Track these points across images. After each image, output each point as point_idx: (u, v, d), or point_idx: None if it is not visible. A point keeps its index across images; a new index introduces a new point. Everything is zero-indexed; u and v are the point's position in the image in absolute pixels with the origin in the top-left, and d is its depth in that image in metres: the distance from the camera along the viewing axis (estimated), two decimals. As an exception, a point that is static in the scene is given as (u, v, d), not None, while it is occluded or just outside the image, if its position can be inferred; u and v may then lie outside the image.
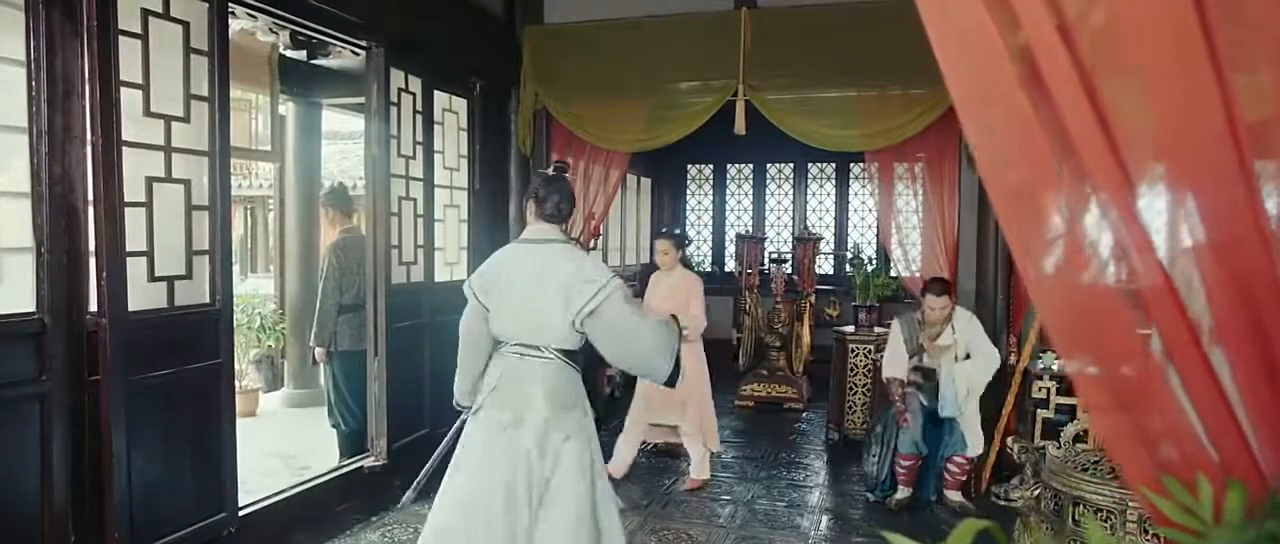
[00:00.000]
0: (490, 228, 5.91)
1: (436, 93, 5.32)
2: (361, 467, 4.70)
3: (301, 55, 5.76)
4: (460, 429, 3.03)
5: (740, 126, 5.61)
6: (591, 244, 6.41)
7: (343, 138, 11.10)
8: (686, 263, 5.11)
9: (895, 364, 4.66)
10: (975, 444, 4.50)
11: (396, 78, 4.86)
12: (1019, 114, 0.81)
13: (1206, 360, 0.72)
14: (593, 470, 2.86)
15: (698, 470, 5.02)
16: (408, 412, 4.96)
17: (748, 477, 5.23)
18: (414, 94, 5.06)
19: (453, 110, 5.55)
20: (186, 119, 3.44)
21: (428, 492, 3.47)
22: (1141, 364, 0.76)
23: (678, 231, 5.34)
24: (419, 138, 5.12)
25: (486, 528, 2.73)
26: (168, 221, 3.38)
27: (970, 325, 4.59)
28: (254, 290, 8.20)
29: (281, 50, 5.48)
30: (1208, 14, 0.71)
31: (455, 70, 5.51)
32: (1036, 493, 2.79)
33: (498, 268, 2.95)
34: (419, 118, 5.11)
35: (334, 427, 5.13)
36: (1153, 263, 0.75)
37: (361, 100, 5.03)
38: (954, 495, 4.57)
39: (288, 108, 6.59)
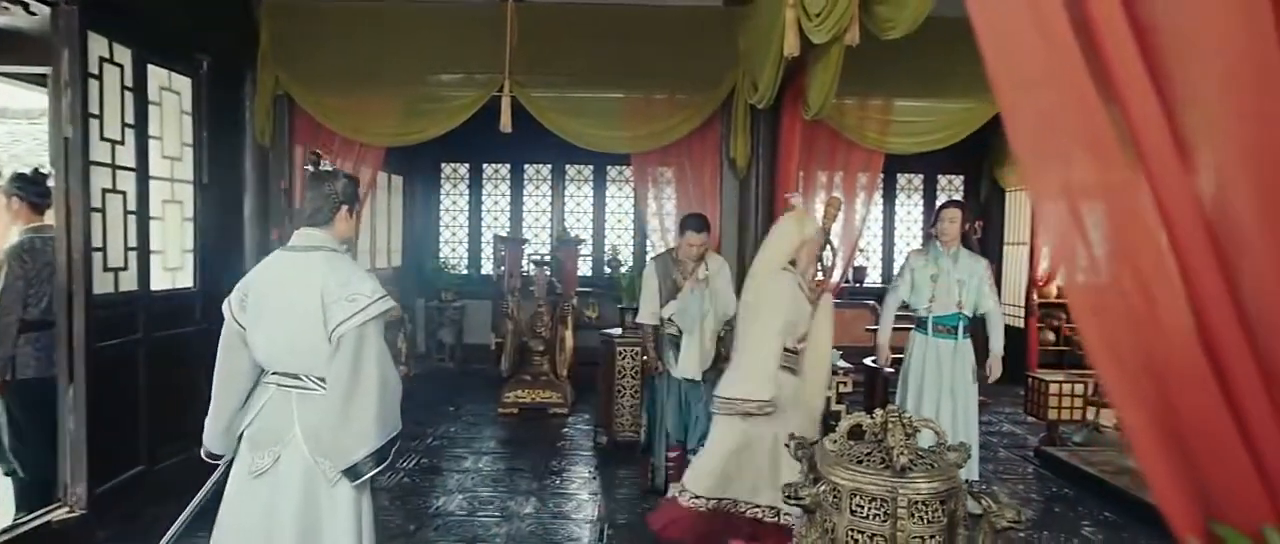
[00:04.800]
0: (222, 228, 5.14)
1: (151, 67, 4.51)
2: (50, 521, 3.83)
3: (-44, 10, 4.61)
4: (221, 481, 2.61)
5: (506, 124, 5.39)
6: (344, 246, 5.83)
7: (13, 115, 9.22)
8: None
9: (648, 310, 4.66)
10: (696, 368, 4.47)
11: (97, 45, 4.04)
12: (1083, 101, 0.72)
13: (1268, 388, 0.68)
14: (362, 521, 2.52)
15: None
16: (116, 447, 4.14)
17: (519, 490, 5.02)
18: (121, 66, 4.24)
19: (173, 90, 4.75)
20: None
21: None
22: (1203, 397, 0.72)
23: None
24: (129, 119, 4.30)
25: None
26: None
27: (721, 271, 4.63)
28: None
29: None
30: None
31: (175, 43, 4.71)
32: (822, 489, 2.87)
33: (254, 280, 2.55)
34: (129, 95, 4.29)
35: (7, 474, 4.14)
36: (1216, 282, 0.70)
37: (45, 70, 4.12)
38: None
39: (-64, 75, 5.27)
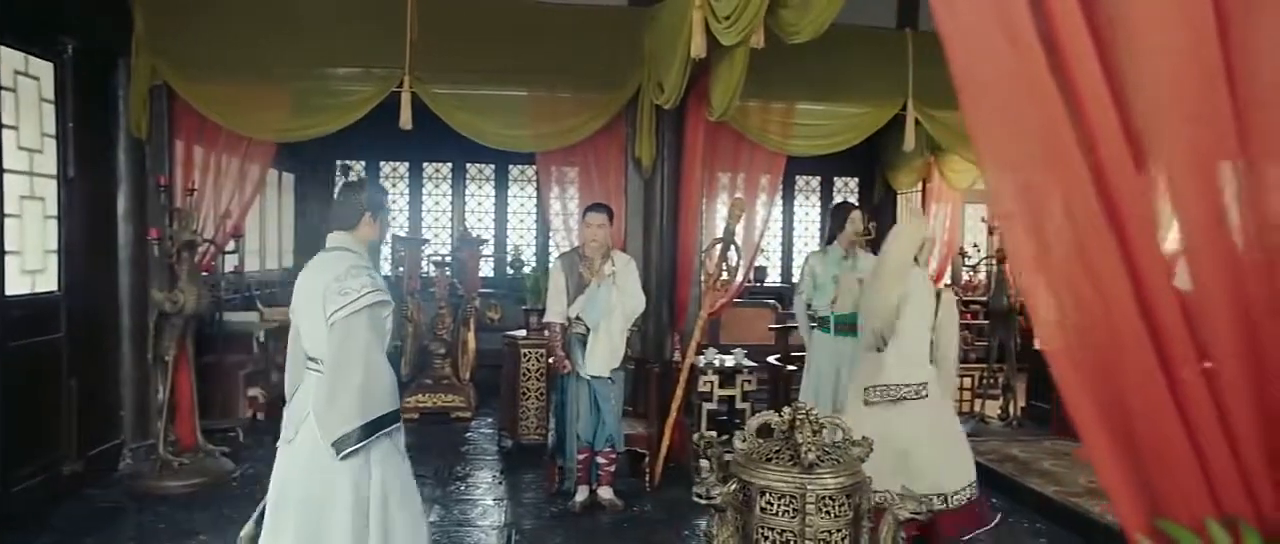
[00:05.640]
0: (92, 226, 4.77)
1: (4, 49, 4.12)
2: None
3: None
4: None
5: (406, 120, 5.21)
6: (230, 246, 5.50)
7: None
8: None
9: (555, 308, 4.59)
10: (604, 365, 4.50)
11: (-62, 24, 3.66)
12: (1046, 104, 0.71)
13: (1206, 384, 0.69)
14: (367, 499, 2.71)
15: None
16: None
17: (424, 497, 4.80)
18: (-33, 48, 3.86)
19: (31, 75, 4.35)
20: None
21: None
22: (1152, 394, 0.72)
23: None
24: (-22, 107, 3.92)
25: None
26: None
27: (627, 266, 4.64)
28: None
29: None
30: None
31: (32, 23, 4.32)
32: (733, 487, 2.88)
33: (299, 277, 2.93)
34: (-23, 80, 3.92)
35: None
36: (1164, 281, 0.71)
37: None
38: (606, 492, 4.69)
39: None
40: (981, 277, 8.75)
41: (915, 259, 4.03)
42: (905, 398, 3.88)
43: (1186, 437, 0.78)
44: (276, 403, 6.86)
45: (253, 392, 6.34)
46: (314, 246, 9.02)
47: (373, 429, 2.66)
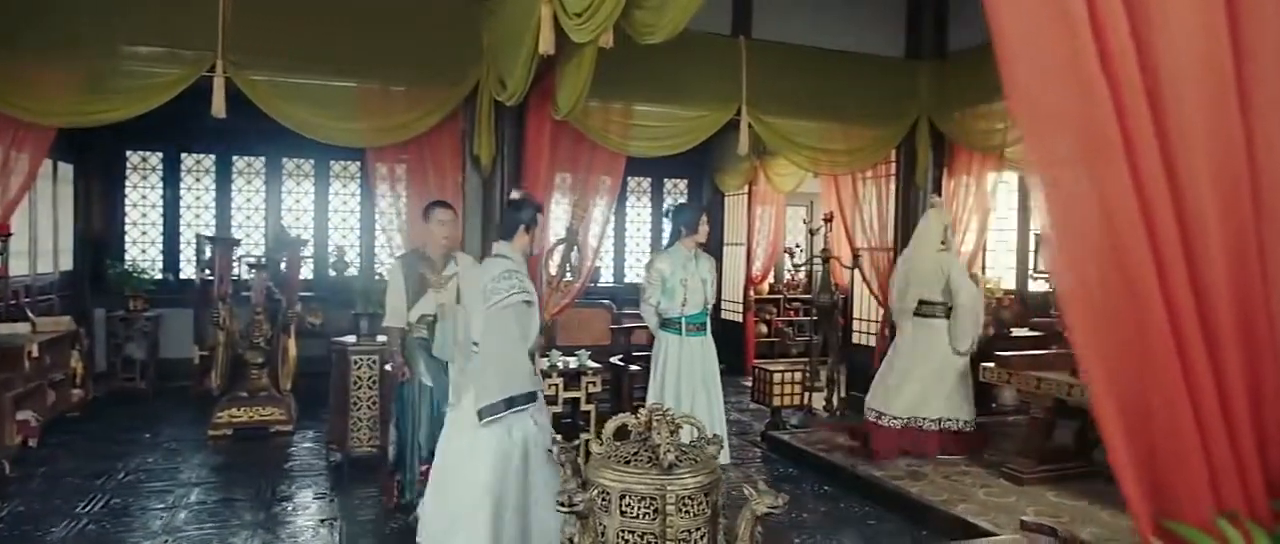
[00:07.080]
0: None
1: None
2: None
3: None
4: None
5: (219, 108, 4.74)
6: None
7: None
8: None
9: (396, 313, 4.37)
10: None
11: None
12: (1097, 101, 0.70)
13: (1212, 374, 0.71)
14: (510, 455, 3.29)
15: None
16: None
17: (241, 523, 4.43)
18: None
19: None
20: None
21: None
22: (1169, 384, 0.73)
23: None
24: None
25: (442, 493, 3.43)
26: None
27: (470, 267, 4.50)
28: None
29: None
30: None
31: None
32: (593, 493, 2.83)
33: (466, 276, 3.66)
34: None
35: None
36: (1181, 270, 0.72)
37: None
38: None
39: None
40: (803, 275, 9.24)
41: (944, 243, 5.30)
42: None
43: (1197, 429, 0.83)
44: (59, 423, 6.08)
45: (23, 415, 5.52)
46: (98, 246, 8.11)
47: (512, 404, 3.27)
